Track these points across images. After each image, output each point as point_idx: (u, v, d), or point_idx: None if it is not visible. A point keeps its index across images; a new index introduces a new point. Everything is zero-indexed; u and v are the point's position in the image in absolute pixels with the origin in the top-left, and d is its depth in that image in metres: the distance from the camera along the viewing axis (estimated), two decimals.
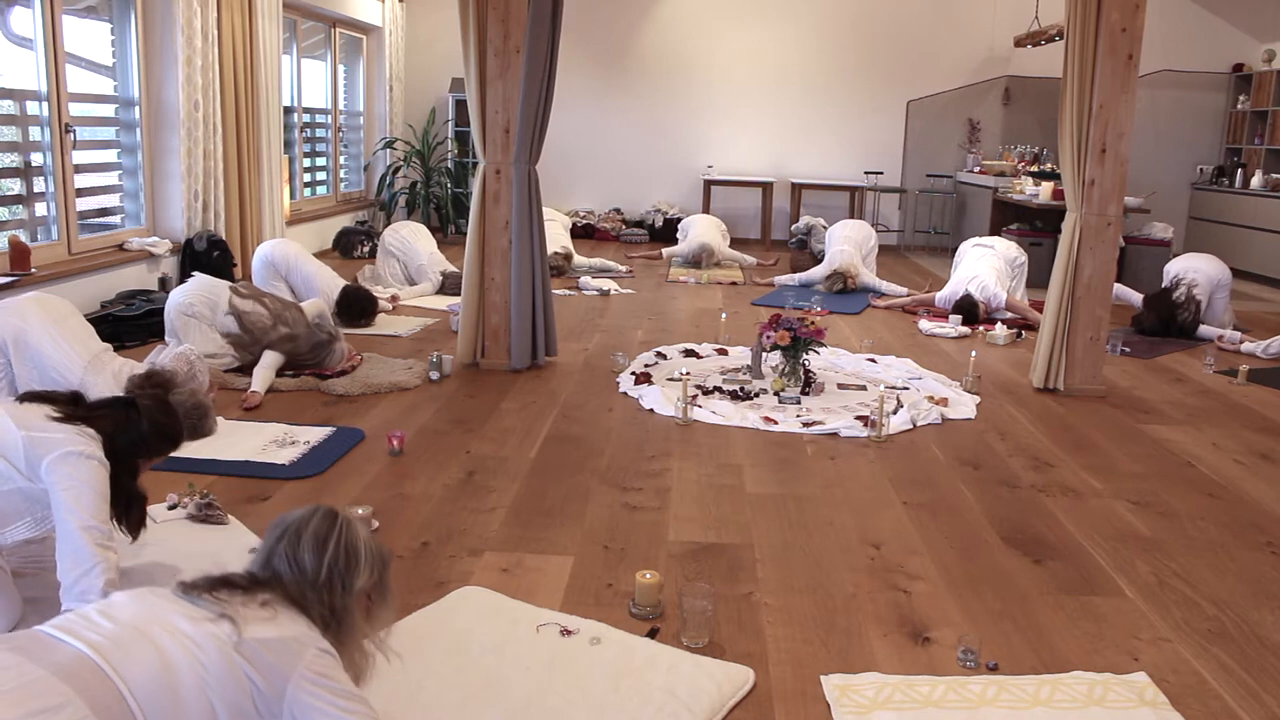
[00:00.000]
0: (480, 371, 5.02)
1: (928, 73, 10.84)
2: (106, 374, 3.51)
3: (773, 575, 2.86)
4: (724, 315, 6.22)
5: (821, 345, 4.83)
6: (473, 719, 2.09)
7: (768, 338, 4.74)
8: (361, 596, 1.76)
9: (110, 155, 6.10)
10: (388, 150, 10.09)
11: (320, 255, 7.80)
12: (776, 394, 4.70)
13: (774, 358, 4.94)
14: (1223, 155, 10.82)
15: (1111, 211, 4.90)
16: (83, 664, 1.47)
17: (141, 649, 1.52)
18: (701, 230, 9.04)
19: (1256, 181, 9.79)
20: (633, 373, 5.02)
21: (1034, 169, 9.74)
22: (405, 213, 10.13)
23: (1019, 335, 6.44)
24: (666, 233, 10.48)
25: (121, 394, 2.50)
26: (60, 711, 1.39)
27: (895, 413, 4.41)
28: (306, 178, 8.98)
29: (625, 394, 4.71)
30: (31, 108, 5.21)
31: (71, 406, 2.34)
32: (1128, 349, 6.10)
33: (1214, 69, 10.73)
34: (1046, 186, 8.53)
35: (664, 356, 5.44)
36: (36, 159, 5.27)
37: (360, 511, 3.03)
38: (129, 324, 5.22)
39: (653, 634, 2.48)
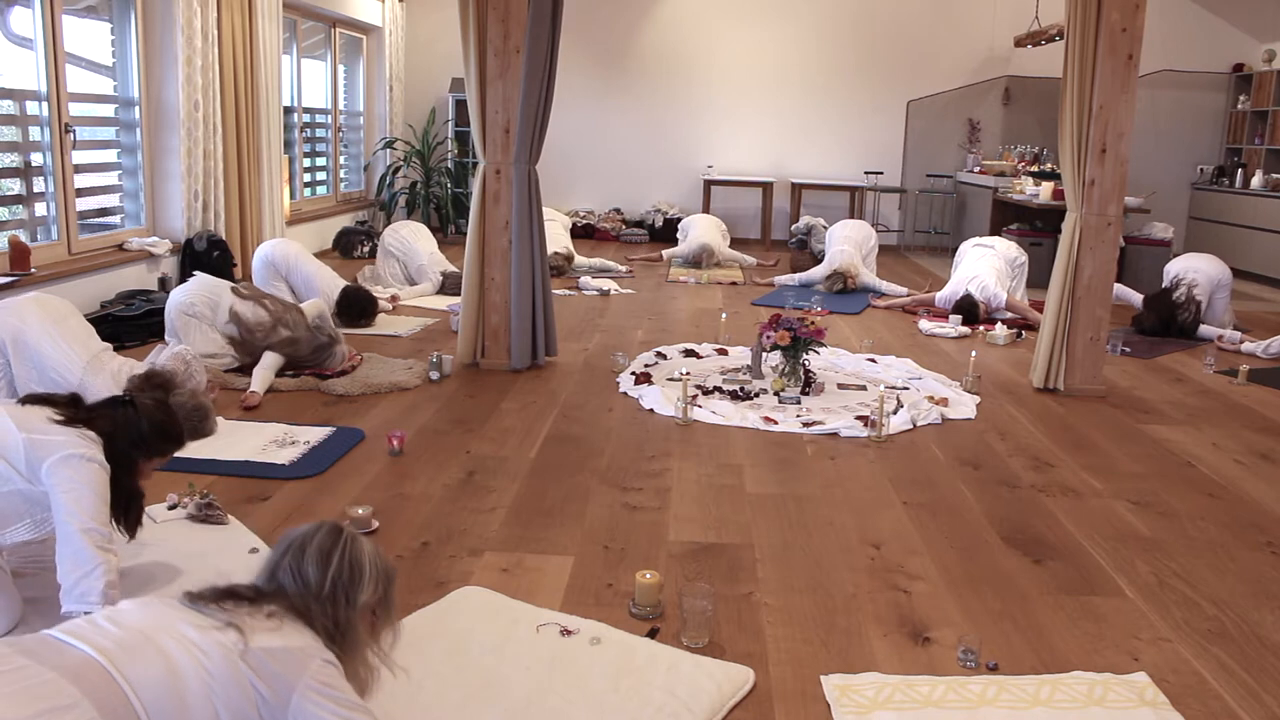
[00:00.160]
0: (480, 371, 5.02)
1: (928, 73, 10.85)
2: (106, 374, 3.51)
3: (773, 575, 2.86)
4: (724, 315, 6.23)
5: (821, 345, 4.83)
6: (473, 719, 2.09)
7: (768, 338, 4.74)
8: (366, 611, 1.78)
9: (110, 155, 6.10)
10: (388, 150, 10.09)
11: (320, 255, 7.80)
12: (776, 394, 4.70)
13: (774, 358, 4.94)
14: (1223, 155, 10.82)
15: (1111, 211, 4.90)
16: (90, 667, 1.49)
17: (148, 654, 1.54)
18: (702, 230, 9.04)
19: (1257, 181, 9.79)
20: (633, 373, 5.02)
21: (1034, 169, 9.74)
22: (405, 213, 10.13)
23: (1019, 335, 6.44)
24: (666, 233, 10.48)
25: (121, 394, 2.50)
26: (69, 712, 1.41)
27: (895, 413, 4.41)
28: (306, 178, 8.98)
29: (625, 394, 4.71)
30: (31, 108, 5.21)
31: (72, 409, 2.35)
32: (1128, 349, 6.10)
33: (1214, 69, 10.73)
34: (1046, 186, 8.53)
35: (664, 356, 5.44)
36: (36, 159, 5.27)
37: (360, 511, 3.03)
38: (129, 324, 5.22)
39: (653, 634, 2.48)
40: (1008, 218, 9.15)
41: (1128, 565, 3.04)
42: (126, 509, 2.37)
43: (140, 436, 2.36)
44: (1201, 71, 10.71)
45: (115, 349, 3.76)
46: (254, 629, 1.61)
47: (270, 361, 4.53)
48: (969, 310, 6.65)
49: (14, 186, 5.25)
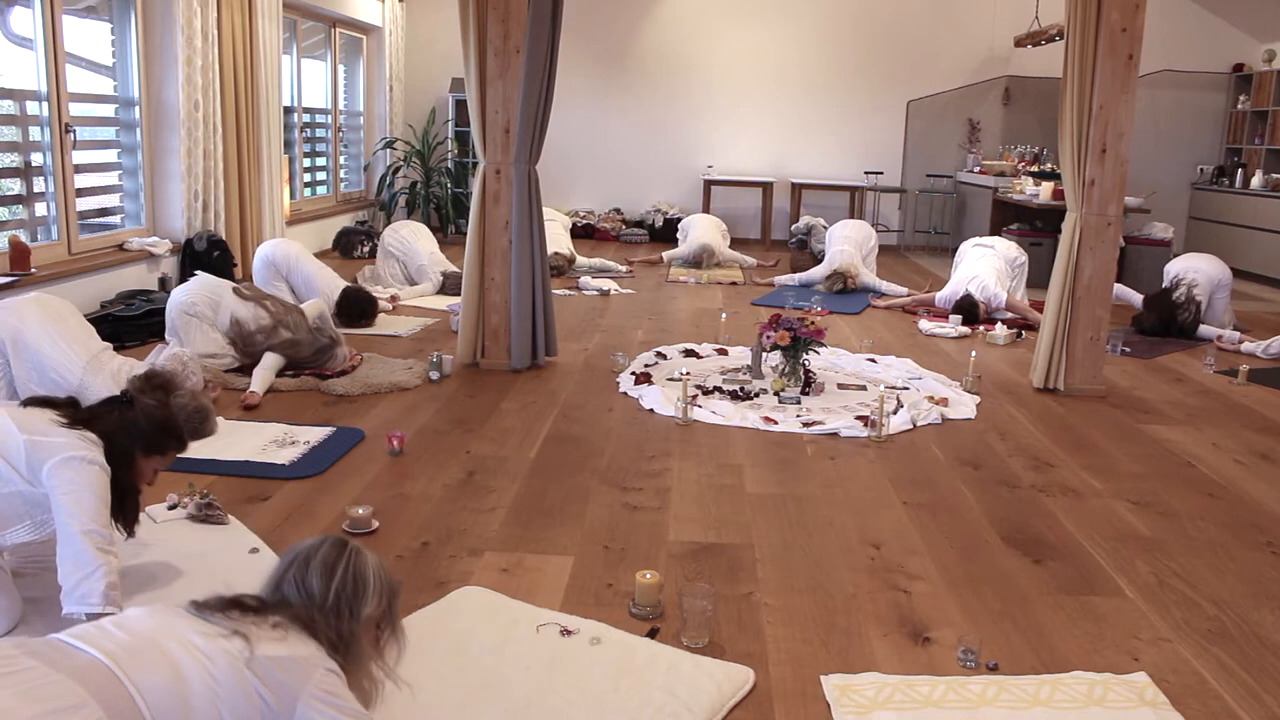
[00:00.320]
0: (480, 371, 5.02)
1: (928, 73, 10.85)
2: (106, 374, 3.52)
3: (773, 575, 2.86)
4: (724, 315, 6.23)
5: (821, 345, 4.83)
6: (473, 719, 2.10)
7: (768, 338, 4.74)
8: (370, 624, 1.79)
9: (110, 155, 6.10)
10: (388, 150, 10.09)
11: (320, 255, 7.80)
12: (776, 394, 4.70)
13: (774, 358, 4.94)
14: (1223, 155, 10.82)
15: (1111, 211, 4.90)
16: (97, 670, 1.50)
17: (155, 660, 1.55)
18: (702, 230, 9.04)
19: (1257, 181, 9.79)
20: (633, 373, 5.02)
21: (1034, 169, 9.74)
22: (405, 213, 10.13)
23: (1019, 335, 6.44)
24: (666, 233, 10.48)
25: (121, 394, 2.50)
26: (76, 713, 1.42)
27: (895, 413, 4.41)
28: (306, 178, 8.98)
29: (625, 394, 4.71)
30: (31, 108, 5.21)
31: (72, 411, 2.35)
32: (1128, 349, 6.10)
33: (1214, 69, 10.73)
34: (1046, 186, 8.53)
35: (664, 356, 5.44)
36: (36, 159, 5.27)
37: (360, 511, 3.03)
38: (129, 324, 5.22)
39: (653, 634, 2.48)
40: (1008, 218, 9.15)
41: (1128, 565, 3.04)
42: (122, 506, 2.37)
43: (140, 435, 2.37)
44: (1201, 71, 10.71)
45: (115, 349, 3.76)
46: (260, 638, 1.63)
47: (271, 362, 4.53)
48: (969, 310, 6.65)
49: (14, 186, 5.25)
